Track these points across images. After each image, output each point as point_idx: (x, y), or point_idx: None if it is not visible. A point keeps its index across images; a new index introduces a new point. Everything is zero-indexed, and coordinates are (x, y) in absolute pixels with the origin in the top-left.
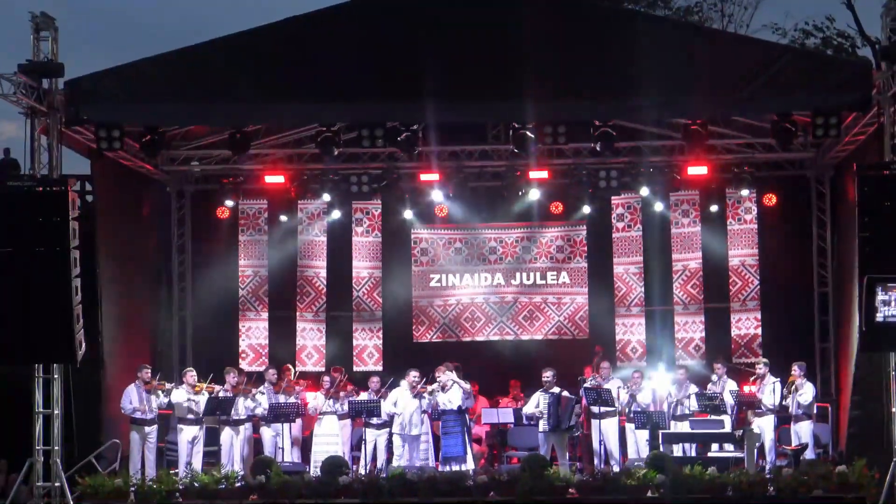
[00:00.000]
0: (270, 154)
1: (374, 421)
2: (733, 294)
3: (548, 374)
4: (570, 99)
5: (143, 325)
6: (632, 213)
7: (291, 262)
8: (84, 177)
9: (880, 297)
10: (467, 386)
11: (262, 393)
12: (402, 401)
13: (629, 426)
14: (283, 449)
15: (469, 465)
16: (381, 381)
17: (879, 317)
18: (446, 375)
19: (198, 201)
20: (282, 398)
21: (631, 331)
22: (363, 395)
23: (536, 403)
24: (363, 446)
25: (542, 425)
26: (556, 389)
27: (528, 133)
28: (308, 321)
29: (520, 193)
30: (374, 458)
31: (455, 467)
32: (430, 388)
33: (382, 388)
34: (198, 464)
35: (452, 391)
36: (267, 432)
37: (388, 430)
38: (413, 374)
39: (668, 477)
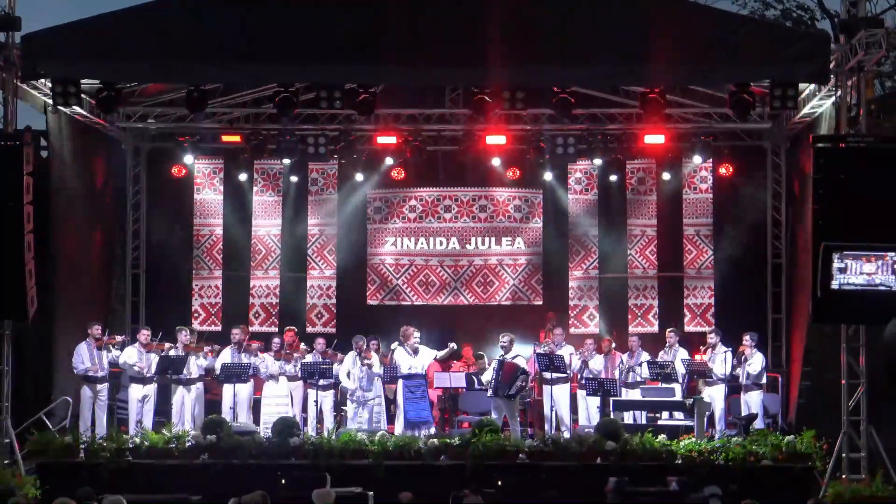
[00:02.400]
0: (227, 113)
1: (321, 382)
2: (687, 263)
3: (504, 339)
4: (528, 64)
5: (97, 283)
6: (588, 179)
7: (246, 222)
8: (39, 132)
9: (836, 264)
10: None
11: (209, 354)
12: (353, 369)
13: (580, 393)
14: (233, 409)
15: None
16: (325, 342)
17: (835, 284)
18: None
19: (153, 159)
20: (244, 358)
21: (587, 296)
22: (308, 357)
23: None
24: (309, 407)
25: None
26: (513, 354)
27: (486, 98)
28: (260, 280)
29: (476, 158)
30: (322, 419)
31: (425, 432)
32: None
33: (328, 349)
34: (148, 422)
35: (422, 355)
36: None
37: (333, 391)
38: (360, 341)
39: (619, 444)
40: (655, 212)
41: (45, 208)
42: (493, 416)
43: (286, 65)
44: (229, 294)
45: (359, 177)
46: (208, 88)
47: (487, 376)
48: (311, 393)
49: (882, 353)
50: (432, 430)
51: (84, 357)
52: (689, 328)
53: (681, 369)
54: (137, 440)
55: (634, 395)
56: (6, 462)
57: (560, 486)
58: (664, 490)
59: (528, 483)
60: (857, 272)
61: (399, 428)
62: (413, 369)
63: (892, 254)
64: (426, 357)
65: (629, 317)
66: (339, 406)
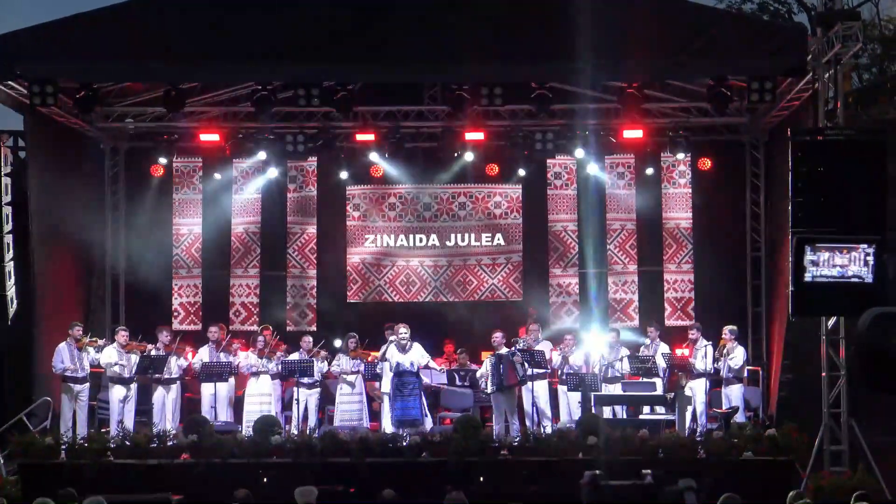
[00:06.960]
0: (205, 112)
1: (306, 380)
2: (667, 257)
3: (496, 336)
4: (506, 60)
5: (76, 283)
6: (568, 174)
7: (225, 221)
8: (17, 132)
9: (809, 257)
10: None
11: (186, 355)
12: (345, 364)
13: (561, 388)
14: (214, 408)
15: (427, 429)
16: (312, 341)
17: (808, 277)
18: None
19: (132, 159)
20: (222, 357)
21: (566, 291)
22: (294, 355)
23: (483, 366)
24: (295, 406)
25: (489, 387)
26: (505, 350)
27: (465, 94)
28: (240, 278)
29: (455, 155)
30: (306, 418)
31: (411, 430)
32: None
33: (314, 347)
34: (129, 422)
35: (413, 352)
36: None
37: (318, 389)
38: (352, 340)
39: (600, 439)
40: (634, 206)
41: (24, 209)
42: (495, 413)
43: (263, 63)
44: (209, 293)
45: (338, 174)
46: (186, 87)
47: (480, 373)
48: (297, 392)
49: (855, 346)
50: (423, 428)
51: (64, 357)
52: (669, 322)
53: (661, 363)
54: (119, 440)
55: (615, 390)
56: None
57: (541, 482)
58: (638, 483)
59: (509, 479)
60: (829, 264)
61: (387, 425)
62: (402, 366)
63: (865, 245)
64: (416, 355)
65: (609, 311)
66: (323, 404)
